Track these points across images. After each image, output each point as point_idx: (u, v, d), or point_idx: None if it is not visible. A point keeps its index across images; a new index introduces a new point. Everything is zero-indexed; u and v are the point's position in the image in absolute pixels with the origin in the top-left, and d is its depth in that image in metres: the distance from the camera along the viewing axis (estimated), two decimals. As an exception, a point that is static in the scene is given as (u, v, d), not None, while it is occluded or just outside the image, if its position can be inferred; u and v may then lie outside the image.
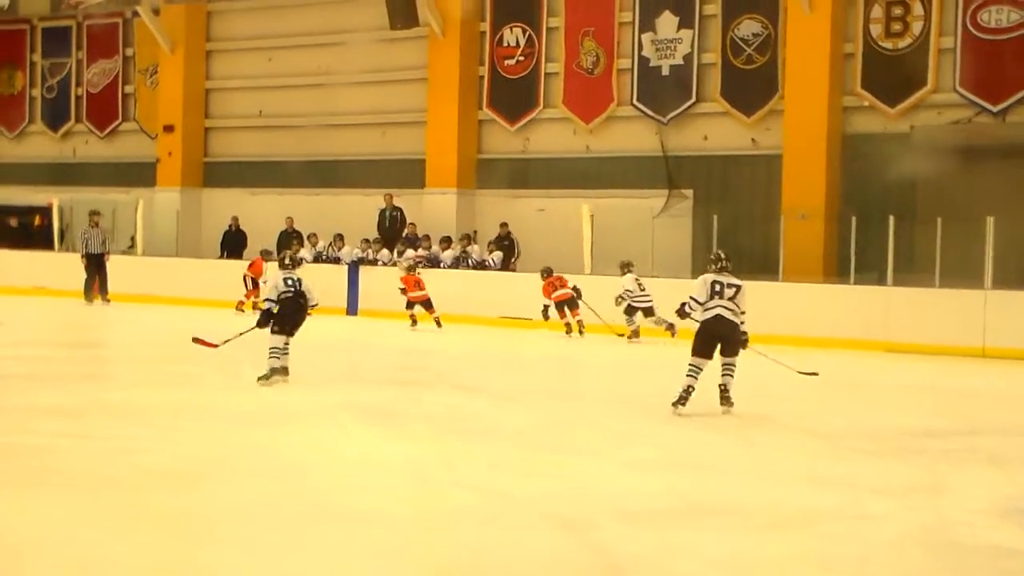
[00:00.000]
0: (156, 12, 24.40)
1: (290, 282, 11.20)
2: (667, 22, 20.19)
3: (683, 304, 10.10)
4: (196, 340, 11.89)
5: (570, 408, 10.38)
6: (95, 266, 20.92)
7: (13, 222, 25.95)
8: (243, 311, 18.79)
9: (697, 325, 10.00)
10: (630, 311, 16.40)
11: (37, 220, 25.33)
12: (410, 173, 22.23)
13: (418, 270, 18.18)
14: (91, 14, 25.68)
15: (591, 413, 10.04)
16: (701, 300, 9.92)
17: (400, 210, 21.59)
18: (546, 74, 21.33)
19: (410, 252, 20.16)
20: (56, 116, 26.87)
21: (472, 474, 7.37)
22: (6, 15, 25.67)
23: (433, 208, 21.64)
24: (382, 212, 21.64)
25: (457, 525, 6.12)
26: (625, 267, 16.60)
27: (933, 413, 10.88)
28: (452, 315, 18.24)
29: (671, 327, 15.68)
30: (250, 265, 19.55)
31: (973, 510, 6.67)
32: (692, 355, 9.82)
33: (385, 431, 8.92)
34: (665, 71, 20.23)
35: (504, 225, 20.48)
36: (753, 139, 19.65)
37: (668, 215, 19.78)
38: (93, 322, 19.26)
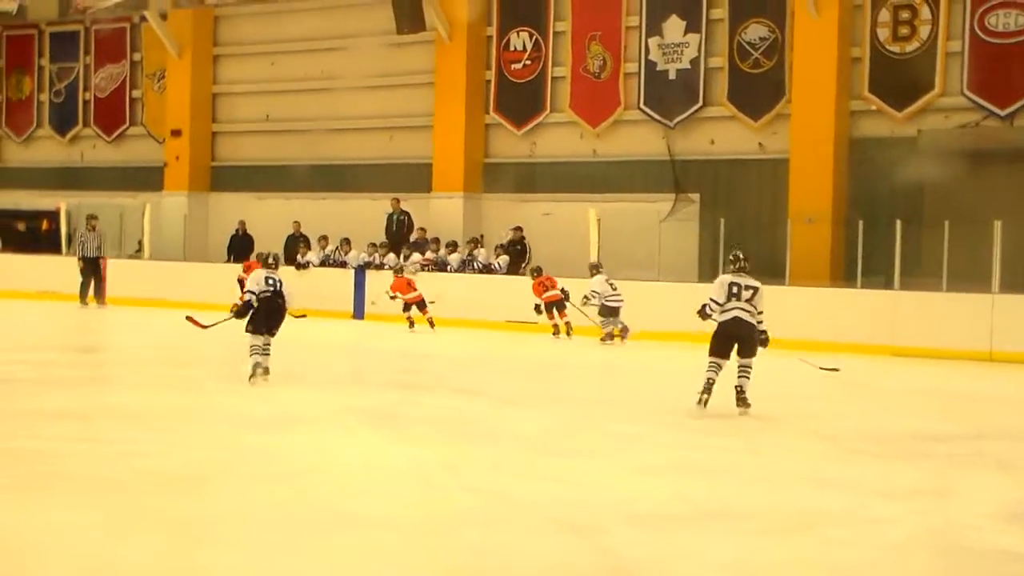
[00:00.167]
0: (163, 17, 24.45)
1: (271, 281, 11.26)
2: (674, 26, 20.18)
3: (704, 306, 10.15)
4: (189, 319, 11.97)
5: (574, 411, 10.37)
6: (91, 269, 21.04)
7: (21, 226, 26.06)
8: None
9: (714, 326, 10.13)
10: (605, 311, 16.60)
11: (45, 224, 25.39)
12: (417, 177, 22.24)
13: (412, 272, 18.37)
14: (99, 19, 25.75)
15: (595, 416, 10.03)
16: (720, 301, 9.99)
17: (408, 214, 21.60)
18: (553, 78, 21.33)
19: (416, 256, 20.17)
20: (64, 120, 26.92)
21: (477, 477, 7.36)
22: (14, 20, 25.75)
23: (440, 212, 21.65)
24: (390, 216, 21.65)
25: (462, 528, 6.10)
26: (594, 269, 16.95)
27: (940, 417, 10.85)
28: (458, 319, 18.28)
29: (624, 331, 16.42)
30: (245, 268, 19.58)
31: (980, 514, 6.64)
32: (710, 355, 9.98)
33: (389, 434, 8.91)
34: (672, 75, 20.22)
35: (518, 229, 20.40)
36: (760, 143, 19.62)
37: (675, 219, 19.75)
38: (99, 326, 19.30)
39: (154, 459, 7.61)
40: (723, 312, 9.99)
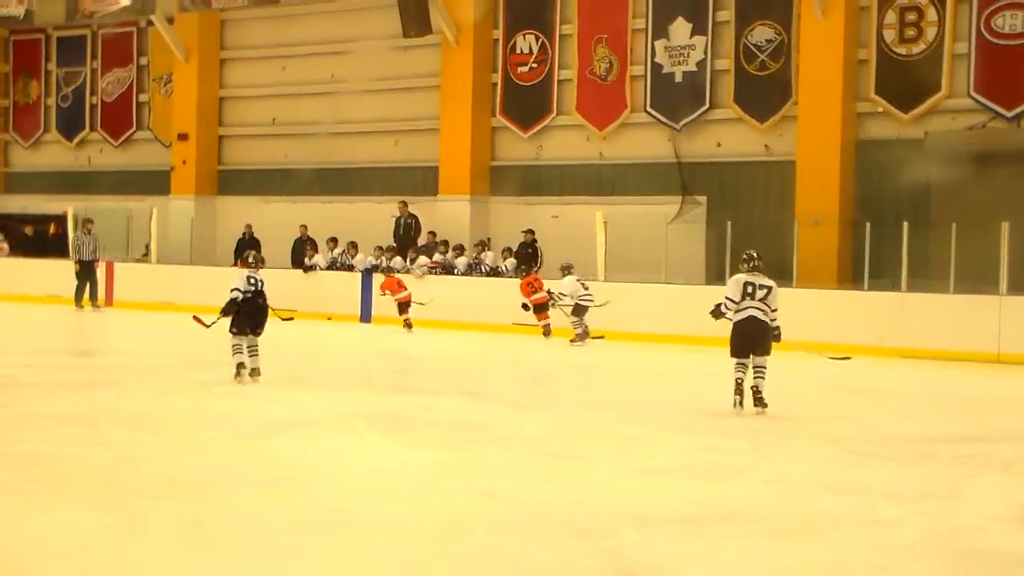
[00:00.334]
0: (170, 21, 24.49)
1: (252, 281, 11.33)
2: (680, 29, 20.18)
3: (718, 305, 10.30)
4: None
5: (582, 414, 10.36)
6: (86, 272, 21.14)
7: (28, 231, 26.10)
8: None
9: (728, 327, 10.30)
10: (578, 311, 16.74)
11: (52, 228, 25.44)
12: (423, 180, 22.27)
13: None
14: (105, 23, 25.81)
15: (603, 419, 10.02)
16: (736, 299, 10.14)
17: (416, 217, 21.60)
18: (559, 81, 21.34)
19: (423, 259, 20.18)
20: (71, 125, 26.99)
21: (485, 481, 7.36)
22: (21, 25, 25.81)
23: (446, 215, 21.66)
24: (397, 220, 21.65)
25: (470, 532, 6.10)
26: (565, 269, 17.17)
27: (948, 419, 10.84)
28: (465, 322, 18.32)
29: (584, 335, 16.49)
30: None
31: (988, 516, 6.63)
32: (732, 356, 10.21)
33: (397, 438, 8.91)
34: (678, 78, 20.21)
35: (530, 232, 20.33)
36: (766, 145, 19.61)
37: (682, 222, 19.74)
38: (106, 330, 19.33)
39: (161, 463, 7.61)
40: (738, 311, 10.16)
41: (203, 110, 24.87)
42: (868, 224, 17.24)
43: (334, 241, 21.55)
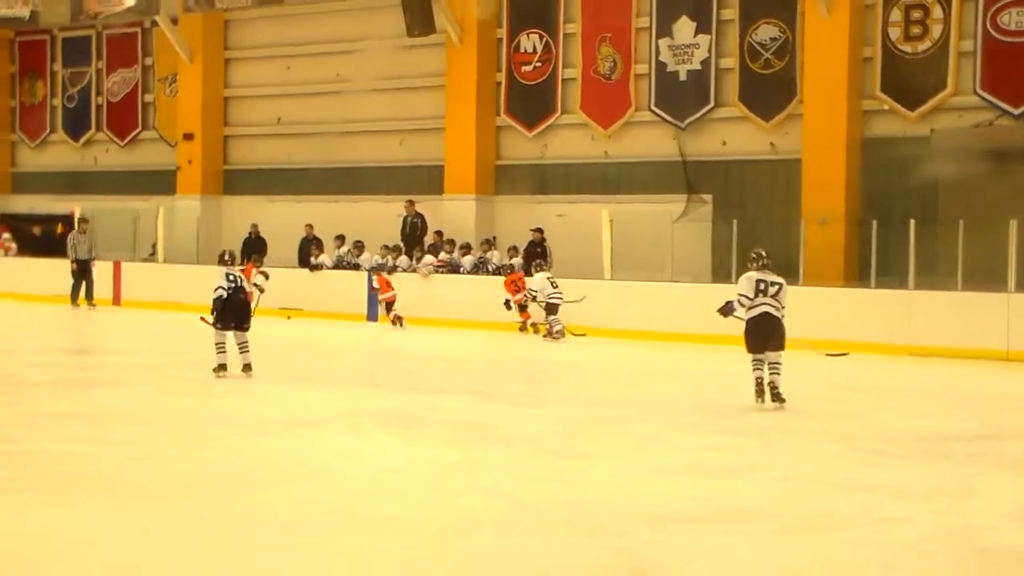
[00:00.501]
0: (175, 21, 24.50)
1: (232, 277, 11.62)
2: (684, 27, 20.14)
3: (728, 302, 10.49)
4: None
5: (589, 412, 10.35)
6: (82, 271, 21.22)
7: (35, 230, 26.15)
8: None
9: (741, 326, 10.43)
10: (550, 309, 16.98)
11: (59, 228, 25.44)
12: (428, 180, 22.26)
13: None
14: (111, 24, 25.82)
15: (610, 417, 10.02)
16: (750, 296, 10.31)
17: (422, 216, 21.58)
18: (563, 80, 21.31)
19: (429, 258, 20.16)
20: (77, 125, 27.01)
21: (491, 479, 7.35)
22: (27, 25, 25.82)
23: (452, 214, 21.64)
24: (404, 219, 21.64)
25: (477, 531, 6.09)
26: (537, 267, 17.45)
27: (957, 417, 10.81)
28: (471, 321, 18.32)
29: (560, 332, 16.71)
30: (241, 271, 19.59)
31: (998, 513, 6.62)
32: (749, 352, 10.38)
33: (403, 437, 8.90)
34: (683, 76, 20.17)
35: (539, 231, 20.26)
36: (772, 143, 19.57)
37: (687, 220, 19.71)
38: (113, 330, 19.33)
39: (168, 462, 7.62)
40: (751, 308, 10.31)
41: (208, 110, 24.88)
42: (875, 222, 17.19)
43: (340, 239, 21.54)
